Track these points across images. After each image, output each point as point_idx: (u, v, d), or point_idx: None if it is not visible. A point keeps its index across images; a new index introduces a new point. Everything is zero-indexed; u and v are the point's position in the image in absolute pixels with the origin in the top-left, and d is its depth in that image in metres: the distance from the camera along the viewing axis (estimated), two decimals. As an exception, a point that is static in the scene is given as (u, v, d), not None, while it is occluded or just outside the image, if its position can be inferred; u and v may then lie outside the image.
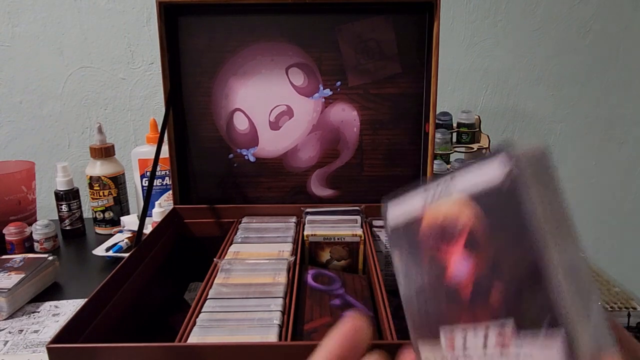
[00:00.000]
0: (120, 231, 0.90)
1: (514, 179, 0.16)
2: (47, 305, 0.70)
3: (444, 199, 0.18)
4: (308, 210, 0.71)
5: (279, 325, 0.46)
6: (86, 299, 0.45)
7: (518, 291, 0.16)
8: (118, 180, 0.96)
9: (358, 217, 0.68)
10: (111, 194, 0.96)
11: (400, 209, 0.20)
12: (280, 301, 0.49)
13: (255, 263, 0.57)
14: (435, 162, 0.94)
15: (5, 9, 1.07)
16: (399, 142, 0.75)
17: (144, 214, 0.62)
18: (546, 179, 0.17)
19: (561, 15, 1.14)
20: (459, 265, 0.18)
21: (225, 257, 0.60)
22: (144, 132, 1.12)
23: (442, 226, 0.19)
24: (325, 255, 0.65)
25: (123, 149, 1.13)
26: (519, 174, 0.16)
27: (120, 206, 0.97)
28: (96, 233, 0.98)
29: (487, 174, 0.17)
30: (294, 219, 0.72)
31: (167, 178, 0.92)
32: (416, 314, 0.20)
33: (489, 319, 0.17)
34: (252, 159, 0.77)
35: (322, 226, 0.67)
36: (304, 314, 0.49)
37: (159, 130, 0.68)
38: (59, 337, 0.39)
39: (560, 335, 0.15)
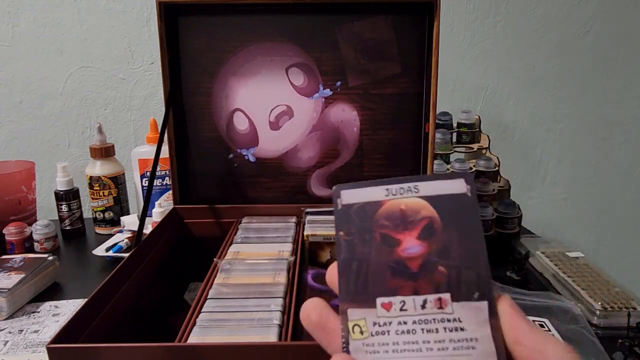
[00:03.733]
0: (120, 231, 0.90)
1: (474, 193, 0.23)
2: (47, 305, 0.70)
3: (406, 196, 0.24)
4: (308, 210, 0.71)
5: (279, 325, 0.46)
6: (86, 299, 0.45)
7: (458, 272, 0.22)
8: (118, 180, 0.96)
9: (358, 217, 0.68)
10: (111, 194, 0.96)
11: (355, 194, 0.24)
12: (280, 301, 0.49)
13: (255, 263, 0.57)
14: (435, 162, 0.94)
15: (5, 9, 1.07)
16: (399, 142, 0.75)
17: (144, 214, 0.62)
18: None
19: (561, 15, 1.14)
20: (413, 243, 0.23)
21: (225, 257, 0.60)
22: (144, 132, 1.12)
23: (403, 214, 0.23)
24: (325, 255, 0.65)
25: (123, 149, 1.12)
26: (474, 193, 0.24)
27: (120, 206, 0.97)
28: (96, 233, 0.98)
29: (452, 186, 0.23)
30: (294, 219, 0.72)
31: (167, 178, 0.92)
32: (352, 283, 0.23)
33: (430, 291, 0.22)
34: (252, 159, 0.77)
35: (322, 226, 0.67)
36: (304, 314, 0.49)
37: (159, 130, 0.68)
38: (59, 337, 0.39)
39: (485, 304, 0.21)
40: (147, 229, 0.77)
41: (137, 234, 0.59)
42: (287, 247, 0.62)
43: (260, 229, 0.68)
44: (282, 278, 0.54)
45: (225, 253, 0.61)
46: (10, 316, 0.67)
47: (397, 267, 0.22)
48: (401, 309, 0.22)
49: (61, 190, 0.94)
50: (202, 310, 0.48)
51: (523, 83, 1.19)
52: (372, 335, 0.22)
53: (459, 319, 0.21)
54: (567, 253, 0.82)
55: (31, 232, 0.88)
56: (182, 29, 0.72)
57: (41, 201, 1.12)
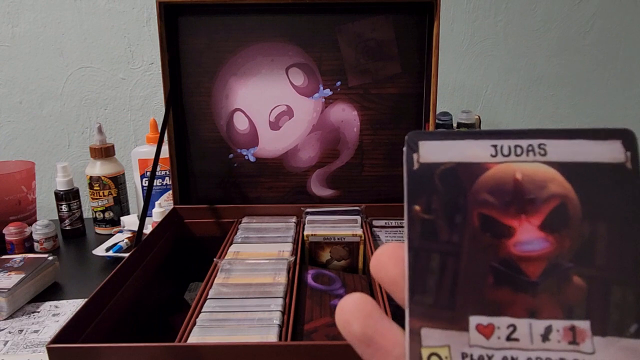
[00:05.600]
0: (120, 231, 0.90)
1: (637, 163, 0.15)
2: (47, 305, 0.70)
3: (526, 160, 0.15)
4: (308, 210, 0.71)
5: (279, 325, 0.46)
6: (86, 299, 0.45)
7: (605, 288, 0.14)
8: (118, 180, 0.96)
9: (358, 217, 0.68)
10: (111, 194, 0.96)
11: (442, 149, 0.16)
12: (280, 301, 0.49)
13: (255, 263, 0.57)
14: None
15: (5, 9, 1.07)
16: (399, 142, 0.75)
17: (144, 214, 0.62)
18: None
19: (561, 15, 1.14)
20: (533, 236, 0.15)
21: (225, 257, 0.60)
22: (144, 132, 1.12)
23: (519, 187, 0.15)
24: (325, 255, 0.65)
25: (123, 149, 1.13)
26: (638, 161, 0.15)
27: (120, 206, 0.97)
28: (96, 233, 0.98)
29: (601, 150, 0.15)
30: (294, 219, 0.72)
31: (167, 178, 0.92)
32: (431, 289, 0.15)
33: (557, 315, 0.14)
34: (252, 159, 0.77)
35: (322, 226, 0.67)
36: (304, 314, 0.49)
37: (159, 130, 0.68)
38: (59, 337, 0.39)
39: None
40: (147, 229, 0.77)
41: (137, 234, 0.59)
42: (287, 247, 0.62)
43: (260, 229, 0.68)
44: (282, 278, 0.54)
45: (225, 253, 0.61)
46: (10, 316, 0.67)
47: (504, 270, 0.15)
48: (509, 338, 0.14)
49: (61, 190, 0.94)
50: (202, 310, 0.48)
51: (523, 83, 1.19)
52: None
53: None
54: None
55: (31, 232, 0.88)
56: (182, 29, 0.72)
57: (41, 201, 1.12)
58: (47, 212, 1.13)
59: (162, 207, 0.83)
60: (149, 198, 0.63)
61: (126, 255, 0.57)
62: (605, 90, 1.20)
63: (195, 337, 0.44)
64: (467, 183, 0.16)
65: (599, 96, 1.21)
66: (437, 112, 0.90)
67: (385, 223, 0.72)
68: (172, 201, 0.76)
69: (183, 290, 0.71)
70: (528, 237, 0.15)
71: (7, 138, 1.14)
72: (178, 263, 0.72)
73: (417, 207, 0.16)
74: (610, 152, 0.15)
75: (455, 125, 1.00)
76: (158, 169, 0.91)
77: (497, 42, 1.15)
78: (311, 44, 0.73)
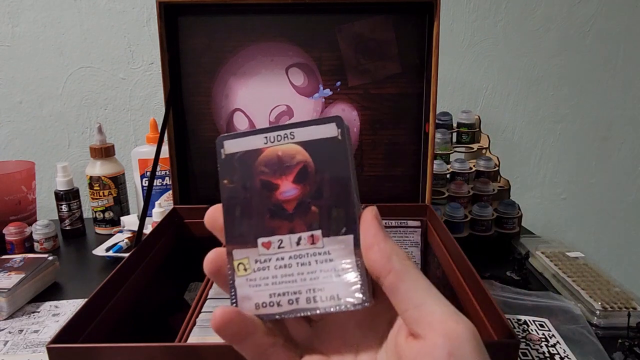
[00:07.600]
0: (120, 231, 0.90)
1: (344, 136, 0.25)
2: (47, 305, 0.70)
3: (283, 143, 0.25)
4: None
5: (279, 325, 0.46)
6: (86, 299, 0.45)
7: (328, 211, 0.24)
8: (118, 180, 0.96)
9: (358, 217, 0.68)
10: (111, 194, 0.96)
11: (237, 143, 0.26)
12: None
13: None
14: (435, 162, 0.94)
15: (5, 9, 1.07)
16: (399, 142, 0.75)
17: (144, 214, 0.62)
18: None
19: (561, 15, 1.14)
20: (289, 187, 0.25)
21: (225, 257, 0.60)
22: (144, 132, 1.12)
23: (280, 160, 0.25)
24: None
25: (123, 149, 1.13)
26: (346, 135, 0.25)
27: (120, 206, 0.98)
28: (96, 233, 0.98)
29: (324, 131, 0.25)
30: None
31: (167, 178, 0.92)
32: (237, 227, 0.25)
33: (304, 229, 0.25)
34: (252, 159, 0.77)
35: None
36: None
37: (159, 130, 0.68)
38: (59, 337, 0.39)
39: (351, 238, 0.24)
40: (147, 229, 0.77)
41: (137, 234, 0.59)
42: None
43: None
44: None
45: (225, 253, 0.61)
46: (10, 316, 0.67)
47: (275, 209, 0.25)
48: (279, 247, 0.25)
49: (61, 190, 0.94)
50: (202, 310, 0.48)
51: (523, 83, 1.19)
52: (255, 272, 0.25)
53: (328, 251, 0.24)
54: (567, 253, 0.82)
55: (31, 232, 0.88)
56: (182, 29, 0.72)
57: (41, 201, 1.12)
58: (47, 212, 1.13)
59: (162, 207, 0.83)
60: (149, 198, 0.63)
61: (126, 255, 0.57)
62: (605, 90, 1.20)
63: (195, 337, 0.44)
64: (252, 162, 0.25)
65: (599, 96, 1.21)
66: (437, 112, 0.90)
67: (385, 223, 0.72)
68: (172, 201, 0.76)
69: (183, 290, 0.71)
70: (286, 188, 0.25)
71: (7, 138, 1.14)
72: (178, 263, 0.72)
73: (225, 181, 0.25)
74: (330, 130, 0.25)
75: (455, 125, 1.00)
76: (158, 169, 0.91)
77: (497, 42, 1.15)
78: (311, 44, 0.73)
